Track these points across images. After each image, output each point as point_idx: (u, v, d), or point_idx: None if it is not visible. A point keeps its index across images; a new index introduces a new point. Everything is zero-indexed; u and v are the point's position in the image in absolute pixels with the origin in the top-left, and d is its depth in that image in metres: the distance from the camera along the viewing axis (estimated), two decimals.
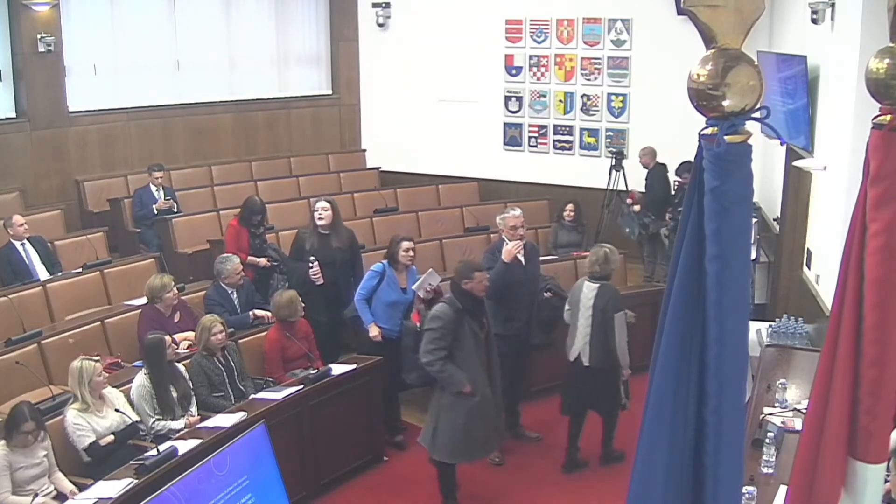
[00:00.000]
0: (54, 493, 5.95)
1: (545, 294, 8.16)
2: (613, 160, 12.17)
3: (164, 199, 11.61)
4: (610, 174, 12.17)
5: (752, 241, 8.44)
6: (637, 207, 11.55)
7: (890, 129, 2.49)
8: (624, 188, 12.07)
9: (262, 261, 9.57)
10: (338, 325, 8.79)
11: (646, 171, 11.94)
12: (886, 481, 4.08)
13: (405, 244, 8.18)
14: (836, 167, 7.28)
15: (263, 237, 9.86)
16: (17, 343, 7.70)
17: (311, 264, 8.64)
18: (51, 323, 8.70)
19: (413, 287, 7.94)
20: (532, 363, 8.31)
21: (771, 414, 5.92)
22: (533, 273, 8.01)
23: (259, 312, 8.59)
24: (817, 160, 7.94)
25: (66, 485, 6.00)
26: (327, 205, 8.93)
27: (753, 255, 9.49)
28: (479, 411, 6.84)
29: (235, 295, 8.65)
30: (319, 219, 8.81)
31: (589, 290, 7.52)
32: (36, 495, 5.81)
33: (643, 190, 11.91)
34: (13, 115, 12.03)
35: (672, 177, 11.75)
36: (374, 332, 8.04)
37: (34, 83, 12.00)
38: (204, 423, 6.81)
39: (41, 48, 11.82)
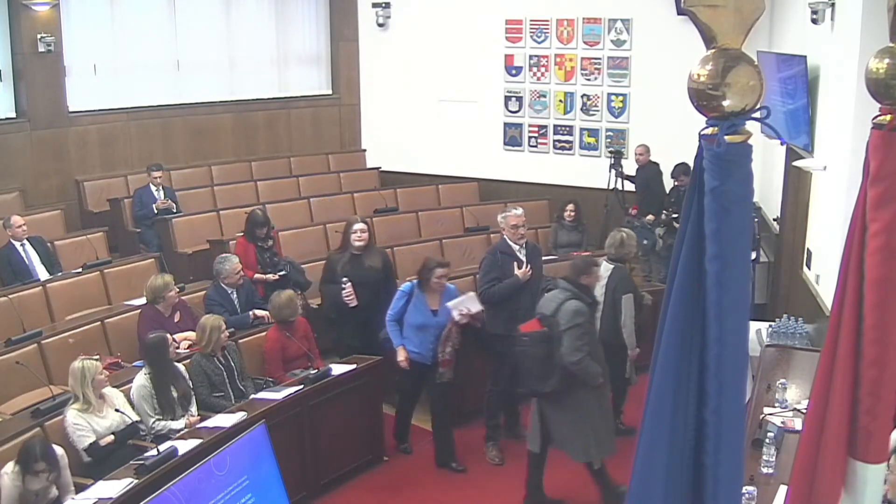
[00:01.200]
0: (56, 495, 5.95)
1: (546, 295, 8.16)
2: (612, 159, 12.12)
3: (164, 199, 11.61)
4: (610, 173, 12.12)
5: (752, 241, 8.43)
6: (650, 217, 11.49)
7: (890, 129, 2.48)
8: (621, 188, 12.02)
9: (270, 276, 9.34)
10: (371, 351, 8.27)
11: (636, 168, 11.97)
12: (886, 482, 4.09)
13: (439, 271, 7.70)
14: (836, 167, 7.28)
15: (273, 251, 9.64)
16: (17, 343, 7.71)
17: (343, 285, 8.21)
18: (51, 323, 8.71)
19: (449, 304, 7.61)
20: None
21: (771, 414, 5.92)
22: (534, 273, 8.00)
23: (259, 312, 8.58)
24: (817, 160, 7.94)
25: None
26: (365, 226, 8.50)
27: (753, 255, 9.48)
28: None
29: (235, 295, 8.66)
30: (358, 240, 8.35)
31: (605, 269, 7.93)
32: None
33: (633, 189, 11.93)
34: (13, 115, 12.02)
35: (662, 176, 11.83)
36: (401, 356, 7.70)
37: (34, 83, 12.00)
38: (204, 423, 6.81)
39: (41, 48, 11.81)
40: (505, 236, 8.10)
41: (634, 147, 12.27)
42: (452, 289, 7.95)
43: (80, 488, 5.91)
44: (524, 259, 7.98)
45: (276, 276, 9.34)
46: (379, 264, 8.54)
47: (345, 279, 8.20)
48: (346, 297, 8.19)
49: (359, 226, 8.44)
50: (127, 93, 13.03)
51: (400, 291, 7.84)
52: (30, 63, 11.86)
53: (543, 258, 9.05)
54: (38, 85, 12.04)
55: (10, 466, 5.69)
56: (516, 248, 8.03)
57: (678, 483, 2.35)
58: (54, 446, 5.92)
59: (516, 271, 7.87)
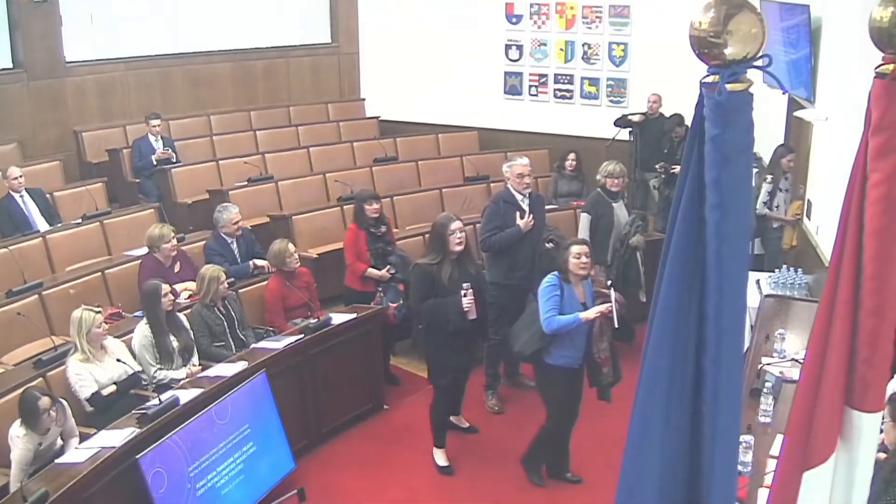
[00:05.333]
0: (61, 444, 6.00)
1: (547, 245, 8.15)
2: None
3: (164, 149, 11.58)
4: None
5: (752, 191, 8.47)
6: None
7: (892, 79, 2.46)
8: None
9: (384, 273, 8.36)
10: (469, 369, 7.32)
11: (637, 118, 11.79)
12: (882, 430, 4.12)
13: (575, 249, 6.48)
14: (837, 117, 7.24)
15: (387, 239, 8.57)
16: (18, 294, 7.74)
17: (464, 291, 6.76)
18: (51, 274, 8.71)
19: (616, 320, 6.32)
20: None
21: (769, 364, 5.96)
22: (537, 223, 7.97)
23: (259, 262, 8.58)
24: (819, 110, 7.90)
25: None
26: (462, 224, 7.06)
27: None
28: None
29: (235, 245, 8.65)
30: (459, 243, 6.87)
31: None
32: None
33: (630, 138, 11.76)
34: (10, 65, 11.91)
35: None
36: (593, 312, 6.37)
37: (30, 33, 11.86)
38: (205, 372, 6.86)
39: None
40: (509, 185, 8.05)
41: (638, 98, 12.11)
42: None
43: (82, 437, 5.96)
44: (527, 209, 7.94)
45: (389, 274, 8.35)
46: (479, 266, 7.43)
47: (466, 284, 6.79)
48: (468, 305, 6.79)
49: (457, 224, 6.95)
50: (124, 42, 12.88)
51: (549, 286, 6.45)
52: (25, 12, 11.74)
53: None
54: (35, 35, 11.91)
55: (17, 428, 5.73)
56: (520, 197, 7.98)
57: (676, 432, 2.36)
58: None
59: (518, 221, 7.85)
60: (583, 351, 6.57)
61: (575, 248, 6.45)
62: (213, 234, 8.73)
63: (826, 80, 7.80)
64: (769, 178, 9.44)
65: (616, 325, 6.31)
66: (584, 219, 8.59)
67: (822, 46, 7.98)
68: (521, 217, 7.86)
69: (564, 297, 6.41)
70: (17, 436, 5.69)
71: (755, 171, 9.43)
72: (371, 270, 8.33)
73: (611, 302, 6.31)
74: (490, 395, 8.05)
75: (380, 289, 8.27)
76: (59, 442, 5.96)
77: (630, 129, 11.60)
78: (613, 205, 8.58)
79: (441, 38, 14.18)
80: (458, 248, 6.87)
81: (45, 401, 5.73)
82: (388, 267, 8.32)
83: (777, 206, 9.37)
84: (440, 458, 7.23)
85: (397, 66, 14.65)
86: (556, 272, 6.50)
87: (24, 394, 5.85)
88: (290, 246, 8.07)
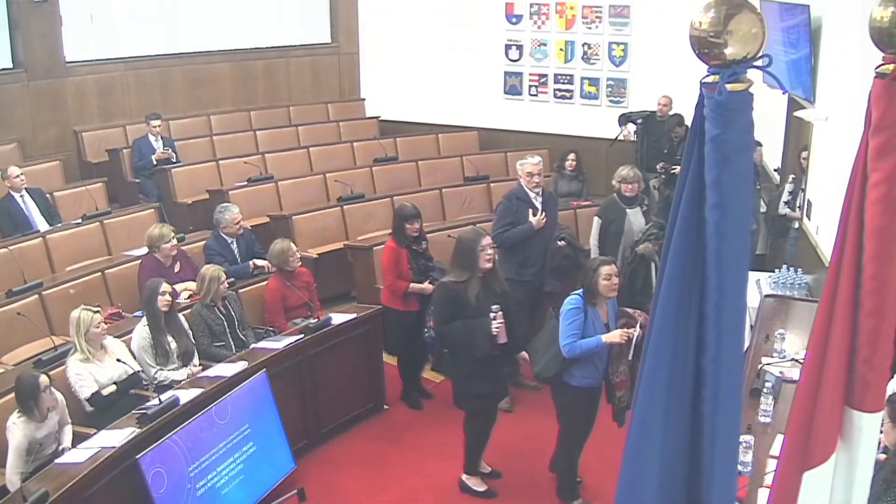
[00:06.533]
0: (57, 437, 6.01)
1: (559, 242, 8.19)
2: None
3: (163, 149, 11.58)
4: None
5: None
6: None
7: (892, 79, 2.47)
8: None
9: (427, 286, 7.83)
10: (498, 395, 6.91)
11: (638, 120, 11.77)
12: (882, 430, 4.12)
13: (605, 269, 6.15)
14: (837, 117, 7.24)
15: (427, 255, 8.18)
16: (18, 294, 7.74)
17: (494, 313, 6.35)
18: (51, 274, 8.71)
19: (633, 352, 6.12)
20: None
21: (769, 364, 5.96)
22: (549, 221, 8.05)
23: (259, 262, 8.58)
24: (819, 110, 7.90)
25: (68, 439, 6.03)
26: (491, 240, 6.70)
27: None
28: None
29: (235, 244, 8.65)
30: (489, 260, 6.46)
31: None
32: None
33: (635, 139, 11.75)
34: (10, 65, 11.92)
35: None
36: (616, 336, 6.13)
37: (30, 33, 11.87)
38: (205, 372, 6.85)
39: None
40: (521, 183, 8.13)
41: (640, 98, 12.14)
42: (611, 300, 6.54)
43: (83, 437, 5.95)
44: (539, 206, 8.02)
45: (433, 286, 7.60)
46: (506, 285, 6.89)
47: (496, 306, 6.37)
48: (497, 328, 6.36)
49: (487, 240, 6.54)
50: (124, 42, 12.90)
51: (572, 309, 6.18)
52: (26, 12, 11.74)
53: None
54: (35, 35, 11.92)
55: (14, 415, 5.73)
56: (532, 195, 8.07)
57: (676, 431, 2.36)
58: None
59: (531, 218, 7.92)
60: (603, 371, 6.35)
61: (605, 269, 6.13)
62: (213, 234, 8.72)
63: (826, 80, 7.80)
64: (791, 177, 9.41)
65: (630, 357, 6.14)
66: (595, 223, 8.56)
67: (822, 46, 7.98)
68: (534, 214, 7.94)
69: (588, 320, 6.15)
70: (14, 423, 5.70)
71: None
72: (413, 285, 7.89)
73: (635, 327, 6.12)
74: None
75: None
76: (56, 436, 5.97)
77: (634, 122, 11.57)
78: (628, 211, 8.43)
79: (441, 39, 14.19)
80: (489, 266, 6.47)
81: (43, 378, 5.75)
82: (430, 280, 7.88)
83: (800, 207, 9.31)
84: (476, 484, 6.86)
85: (397, 66, 14.67)
86: (579, 292, 6.22)
87: (21, 375, 5.86)
88: (292, 246, 8.09)
